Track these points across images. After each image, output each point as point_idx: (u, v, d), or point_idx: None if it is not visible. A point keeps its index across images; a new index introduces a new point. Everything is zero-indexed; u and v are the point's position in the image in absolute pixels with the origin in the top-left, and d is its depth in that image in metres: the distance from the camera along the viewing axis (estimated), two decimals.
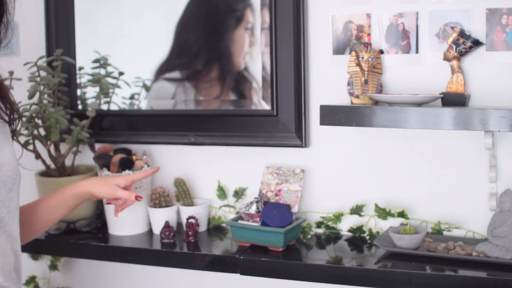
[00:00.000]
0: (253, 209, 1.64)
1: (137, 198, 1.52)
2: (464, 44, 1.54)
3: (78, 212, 1.81)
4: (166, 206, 1.79)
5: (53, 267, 2.07)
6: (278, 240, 1.59)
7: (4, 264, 1.13)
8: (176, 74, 1.91)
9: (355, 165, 1.73)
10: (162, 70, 1.91)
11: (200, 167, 1.89)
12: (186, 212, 1.78)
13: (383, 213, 1.67)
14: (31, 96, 1.73)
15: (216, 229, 1.84)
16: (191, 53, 1.88)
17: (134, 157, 1.81)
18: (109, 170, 1.78)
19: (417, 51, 1.62)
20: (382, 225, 1.71)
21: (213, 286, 1.90)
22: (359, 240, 1.70)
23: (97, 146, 1.88)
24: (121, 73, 1.92)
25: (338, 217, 1.73)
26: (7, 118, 1.20)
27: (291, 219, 1.62)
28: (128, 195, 1.51)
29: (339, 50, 1.70)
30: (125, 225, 1.80)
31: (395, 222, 1.69)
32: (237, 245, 1.67)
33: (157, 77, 1.93)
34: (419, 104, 1.51)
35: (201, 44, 1.86)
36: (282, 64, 1.73)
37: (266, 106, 1.78)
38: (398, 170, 1.69)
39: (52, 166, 1.85)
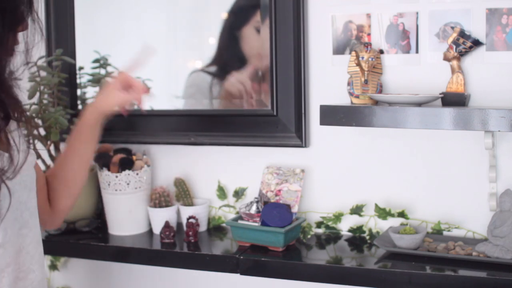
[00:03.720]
0: (253, 209, 1.64)
1: (146, 91, 1.46)
2: (464, 44, 1.54)
3: (78, 212, 1.81)
4: (166, 206, 1.79)
5: (53, 267, 2.07)
6: (278, 240, 1.59)
7: (39, 273, 1.13)
8: (212, 68, 1.91)
9: (355, 165, 1.73)
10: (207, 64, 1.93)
11: (200, 167, 1.89)
12: (186, 212, 1.78)
13: (383, 213, 1.67)
14: (31, 96, 1.73)
15: (216, 229, 1.84)
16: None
17: (134, 157, 1.81)
18: (109, 170, 1.78)
19: (417, 51, 1.62)
20: (382, 225, 1.71)
21: (213, 286, 1.90)
22: (359, 240, 1.70)
23: (97, 146, 1.88)
24: None
25: (338, 217, 1.73)
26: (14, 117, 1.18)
27: (291, 219, 1.62)
28: (136, 96, 1.45)
29: (339, 50, 1.70)
30: (125, 225, 1.80)
31: (395, 222, 1.69)
32: (237, 245, 1.67)
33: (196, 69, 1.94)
34: (419, 104, 1.51)
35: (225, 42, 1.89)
36: (282, 64, 1.73)
37: (266, 106, 1.79)
38: (398, 170, 1.69)
39: (52, 166, 1.85)
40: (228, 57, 1.88)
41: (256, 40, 1.80)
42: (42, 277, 1.16)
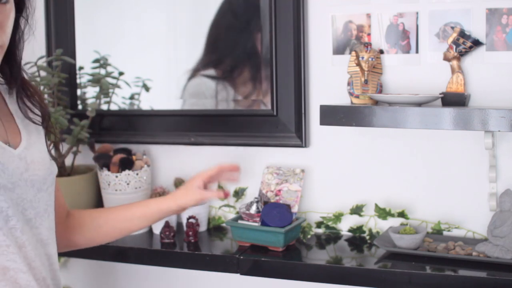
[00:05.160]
0: (253, 209, 1.64)
1: (226, 195, 1.48)
2: (464, 44, 1.54)
3: None
4: None
5: None
6: (278, 240, 1.59)
7: (37, 272, 1.11)
8: (212, 72, 1.90)
9: (355, 165, 1.73)
10: (198, 68, 1.90)
11: (200, 167, 1.88)
12: (186, 212, 1.78)
13: (383, 213, 1.67)
14: None
15: (216, 229, 1.84)
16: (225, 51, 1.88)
17: (134, 157, 1.81)
18: (109, 170, 1.78)
19: (417, 51, 1.62)
20: (382, 225, 1.71)
21: (213, 286, 1.90)
22: (359, 240, 1.70)
23: (97, 146, 1.88)
24: (121, 73, 1.92)
25: (338, 217, 1.73)
26: (39, 118, 1.17)
27: (291, 219, 1.62)
28: (217, 194, 1.48)
29: (339, 50, 1.70)
30: None
31: (395, 222, 1.69)
32: (237, 245, 1.67)
33: (194, 74, 1.91)
34: (419, 104, 1.51)
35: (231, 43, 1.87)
36: (282, 64, 1.73)
37: (266, 106, 1.79)
38: (398, 170, 1.69)
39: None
40: (228, 59, 1.88)
41: (255, 40, 1.80)
42: (43, 277, 1.14)
